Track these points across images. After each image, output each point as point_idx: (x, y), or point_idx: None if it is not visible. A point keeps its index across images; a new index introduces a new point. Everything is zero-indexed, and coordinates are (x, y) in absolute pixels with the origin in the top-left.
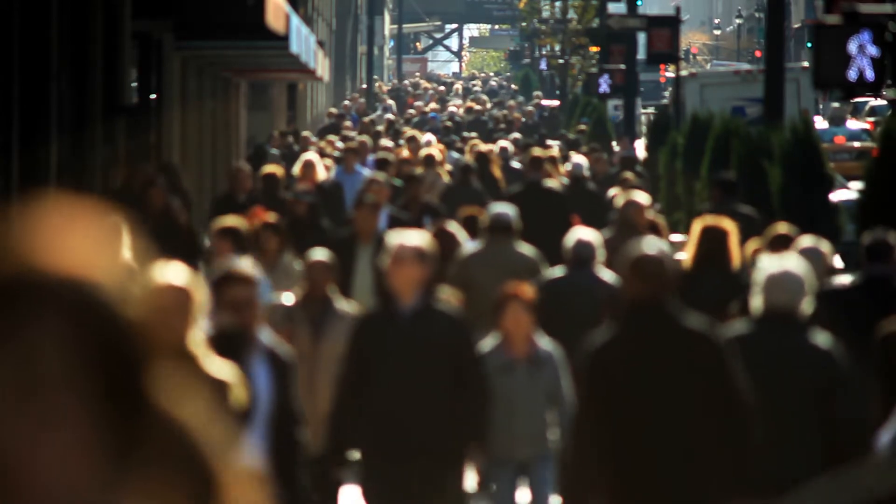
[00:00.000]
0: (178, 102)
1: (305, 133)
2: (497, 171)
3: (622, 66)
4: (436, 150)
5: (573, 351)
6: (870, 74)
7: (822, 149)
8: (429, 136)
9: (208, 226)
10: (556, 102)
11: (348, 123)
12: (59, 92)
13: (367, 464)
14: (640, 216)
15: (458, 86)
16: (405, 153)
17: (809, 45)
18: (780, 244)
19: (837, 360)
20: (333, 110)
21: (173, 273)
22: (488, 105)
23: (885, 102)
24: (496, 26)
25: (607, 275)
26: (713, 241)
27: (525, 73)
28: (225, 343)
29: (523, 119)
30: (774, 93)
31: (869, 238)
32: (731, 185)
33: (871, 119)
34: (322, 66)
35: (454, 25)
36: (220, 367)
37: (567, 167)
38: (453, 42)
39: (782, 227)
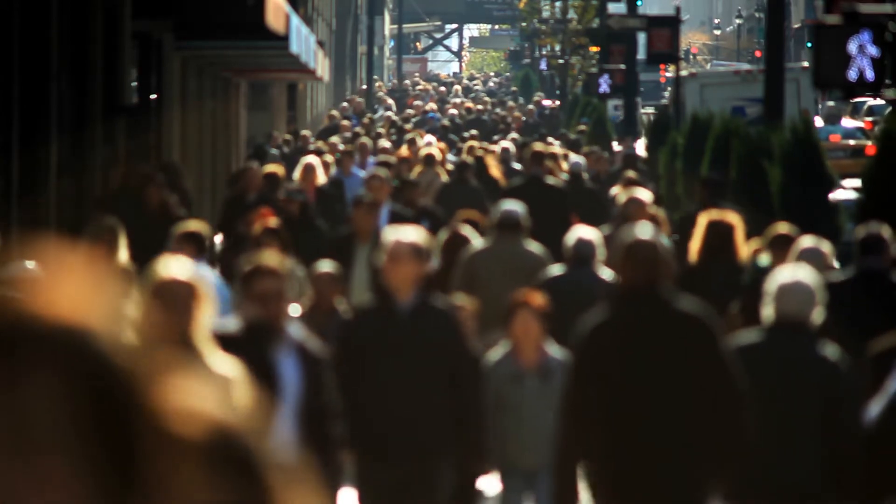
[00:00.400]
0: (178, 102)
1: (305, 132)
2: (495, 171)
3: (622, 66)
4: (436, 149)
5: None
6: (870, 74)
7: (823, 149)
8: (429, 137)
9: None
10: (555, 102)
11: (346, 123)
12: (59, 92)
13: (361, 463)
14: (641, 213)
15: (458, 87)
16: (404, 153)
17: (809, 45)
18: (780, 244)
19: (845, 371)
20: (335, 113)
21: (177, 267)
22: (488, 106)
23: (882, 102)
24: (496, 26)
25: (607, 273)
26: (718, 236)
27: (525, 73)
28: (252, 336)
29: (524, 119)
30: (774, 93)
31: (863, 232)
32: (719, 184)
33: (869, 119)
34: (322, 66)
35: (454, 25)
36: (224, 364)
37: (566, 165)
38: (453, 42)
39: (782, 227)
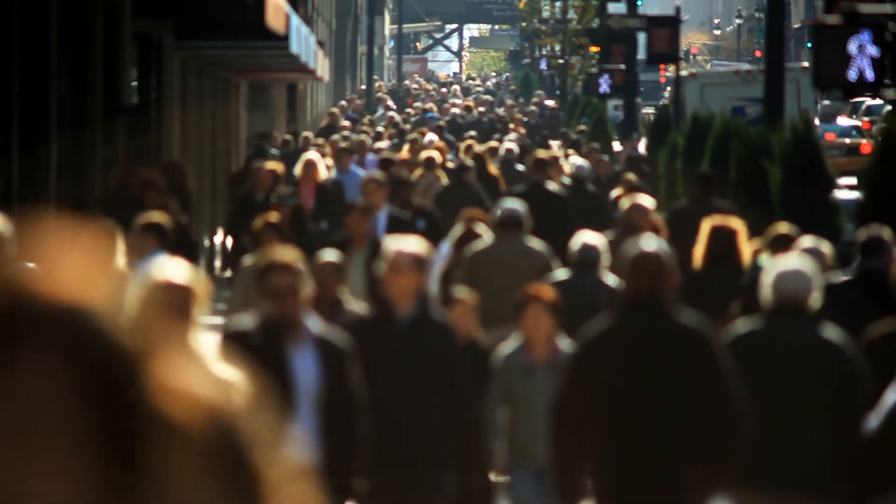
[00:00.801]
0: (178, 102)
1: (307, 134)
2: (494, 170)
3: (622, 66)
4: (436, 151)
5: None
6: (870, 74)
7: (823, 149)
8: (431, 136)
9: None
10: (557, 103)
11: (346, 123)
12: (59, 92)
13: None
14: (644, 219)
15: (457, 86)
16: (405, 154)
17: (809, 45)
18: (780, 244)
19: (848, 352)
20: (335, 111)
21: (173, 270)
22: (488, 106)
23: (881, 102)
24: (496, 26)
25: (611, 279)
26: (722, 241)
27: (525, 73)
28: (267, 333)
29: (525, 119)
30: (774, 93)
31: (864, 234)
32: (709, 181)
33: (867, 118)
34: (322, 66)
35: (454, 25)
36: (223, 367)
37: (569, 168)
38: (453, 42)
39: (783, 227)
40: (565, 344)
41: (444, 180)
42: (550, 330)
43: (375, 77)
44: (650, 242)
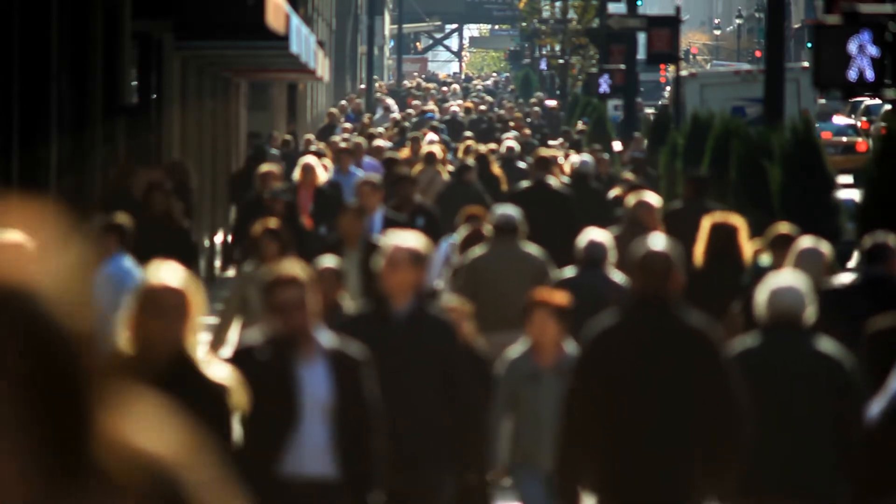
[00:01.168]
0: (178, 102)
1: (309, 136)
2: (497, 170)
3: (622, 66)
4: (437, 147)
5: None
6: (870, 74)
7: (823, 149)
8: (432, 135)
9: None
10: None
11: (348, 125)
12: (59, 92)
13: None
14: (649, 216)
15: (456, 86)
16: (405, 153)
17: (809, 45)
18: (780, 244)
19: (845, 365)
20: (334, 111)
21: (168, 274)
22: (488, 105)
23: (879, 102)
24: (496, 26)
25: (618, 276)
26: (723, 238)
27: (525, 73)
28: (274, 349)
29: (528, 119)
30: (774, 93)
31: (869, 240)
32: (703, 182)
33: (865, 118)
34: (322, 66)
35: (454, 25)
36: (219, 372)
37: (573, 164)
38: (453, 42)
39: (783, 227)
40: (572, 348)
41: (446, 175)
42: (557, 335)
43: (375, 77)
44: (659, 241)
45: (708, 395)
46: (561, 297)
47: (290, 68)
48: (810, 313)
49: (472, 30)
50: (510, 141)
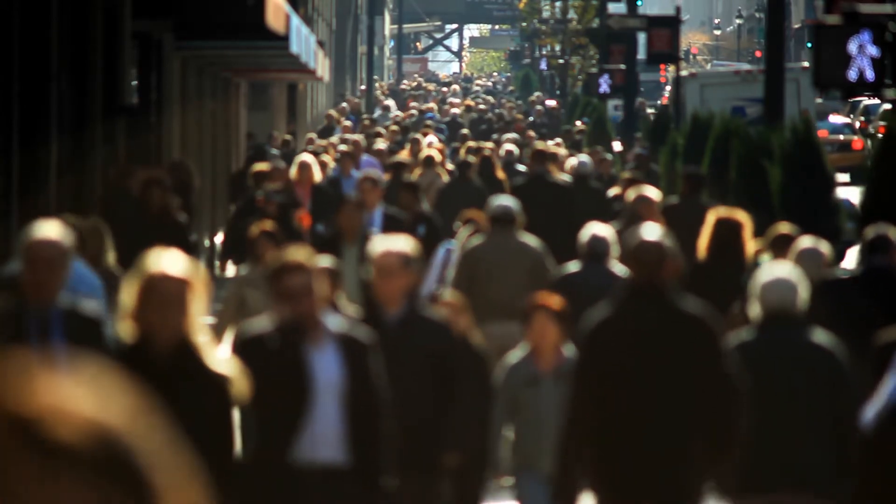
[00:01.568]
0: (178, 102)
1: (311, 136)
2: (500, 172)
3: (622, 66)
4: (435, 150)
5: None
6: (870, 74)
7: (823, 149)
8: (431, 137)
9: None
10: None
11: (348, 124)
12: (59, 92)
13: None
14: (649, 211)
15: (456, 86)
16: (404, 154)
17: (809, 45)
18: (781, 244)
19: (839, 357)
20: (333, 112)
21: (170, 262)
22: (488, 105)
23: (877, 102)
24: (496, 26)
25: (621, 270)
26: (727, 233)
27: (525, 73)
28: (283, 335)
29: (531, 119)
30: (774, 93)
31: (871, 232)
32: (700, 178)
33: (864, 118)
34: (322, 66)
35: (454, 25)
36: (221, 361)
37: (573, 164)
38: (453, 42)
39: (783, 227)
40: (572, 352)
41: (445, 178)
42: (557, 339)
43: (376, 77)
44: (651, 231)
45: (706, 381)
46: (560, 301)
47: (290, 68)
48: (802, 304)
49: (472, 30)
50: (509, 144)
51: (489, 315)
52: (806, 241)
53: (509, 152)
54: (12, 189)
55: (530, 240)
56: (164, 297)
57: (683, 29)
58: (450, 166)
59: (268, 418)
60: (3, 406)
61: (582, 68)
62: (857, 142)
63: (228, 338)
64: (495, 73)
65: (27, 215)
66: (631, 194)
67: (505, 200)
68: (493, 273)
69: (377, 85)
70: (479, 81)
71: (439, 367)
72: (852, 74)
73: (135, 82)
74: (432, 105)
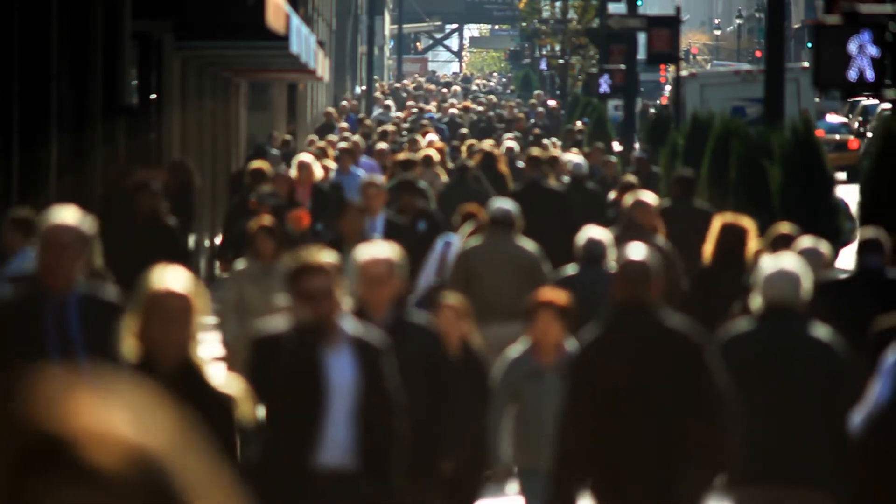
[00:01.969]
0: (178, 102)
1: (312, 137)
2: (504, 169)
3: (622, 66)
4: (434, 150)
5: None
6: (870, 74)
7: (823, 149)
8: (431, 137)
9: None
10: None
11: (344, 125)
12: (59, 92)
13: None
14: (646, 216)
15: (456, 87)
16: (402, 154)
17: (809, 45)
18: (781, 244)
19: (838, 351)
20: (331, 110)
21: (172, 279)
22: (489, 105)
23: (876, 102)
24: (496, 26)
25: None
26: (732, 239)
27: (525, 73)
28: (300, 337)
29: (532, 120)
30: (774, 93)
31: (863, 234)
32: (691, 182)
33: (862, 118)
34: (322, 66)
35: (454, 25)
36: (225, 381)
37: (568, 167)
38: (453, 42)
39: (783, 227)
40: (573, 348)
41: (444, 177)
42: (560, 335)
43: (376, 77)
44: (637, 250)
45: (695, 396)
46: (564, 298)
47: (290, 68)
48: (805, 297)
49: (472, 30)
50: (510, 141)
51: (484, 316)
52: (806, 241)
53: (510, 149)
54: (12, 189)
55: (528, 244)
56: (168, 314)
57: (683, 29)
58: (450, 166)
59: (281, 419)
60: (39, 428)
61: (582, 68)
62: (854, 141)
63: (231, 336)
64: (495, 74)
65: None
66: (629, 199)
67: (505, 203)
68: (488, 275)
69: (377, 85)
70: (477, 81)
71: (430, 372)
72: (852, 74)
73: (135, 82)
74: (432, 105)
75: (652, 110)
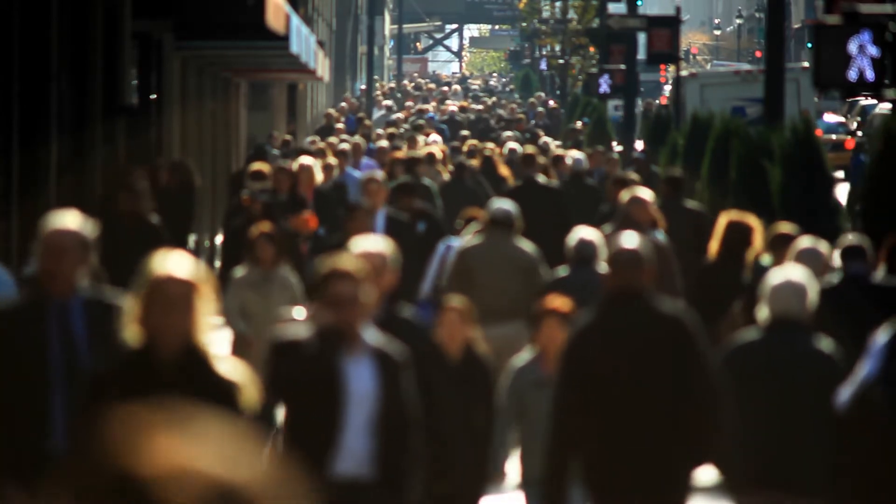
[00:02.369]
0: (178, 102)
1: (314, 138)
2: (503, 170)
3: (622, 66)
4: (437, 148)
5: None
6: (870, 74)
7: (823, 149)
8: (435, 136)
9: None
10: (553, 103)
11: (341, 126)
12: (59, 92)
13: None
14: (643, 212)
15: (457, 87)
16: (400, 154)
17: (809, 45)
18: (781, 244)
19: (842, 364)
20: (332, 111)
21: (174, 264)
22: (489, 105)
23: (874, 102)
24: (496, 26)
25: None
26: (737, 236)
27: (525, 73)
28: (321, 342)
29: (533, 120)
30: (774, 93)
31: (845, 240)
32: (679, 182)
33: (860, 118)
34: (322, 66)
35: (454, 25)
36: (230, 368)
37: (568, 161)
38: (453, 42)
39: (783, 227)
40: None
41: (446, 176)
42: None
43: (376, 77)
44: (630, 239)
45: (687, 383)
46: (569, 306)
47: (290, 68)
48: (810, 309)
49: (472, 30)
50: (512, 143)
51: (480, 317)
52: (806, 242)
53: (512, 150)
54: (12, 189)
55: (526, 245)
56: (169, 299)
57: (683, 29)
58: (450, 167)
59: (298, 426)
60: (127, 466)
61: (582, 68)
62: (850, 141)
63: (242, 329)
64: (495, 74)
65: (27, 215)
66: (625, 196)
67: (505, 204)
68: (485, 275)
69: (377, 85)
70: (474, 81)
71: (415, 369)
72: (852, 74)
73: (135, 82)
74: (430, 105)
75: (659, 101)
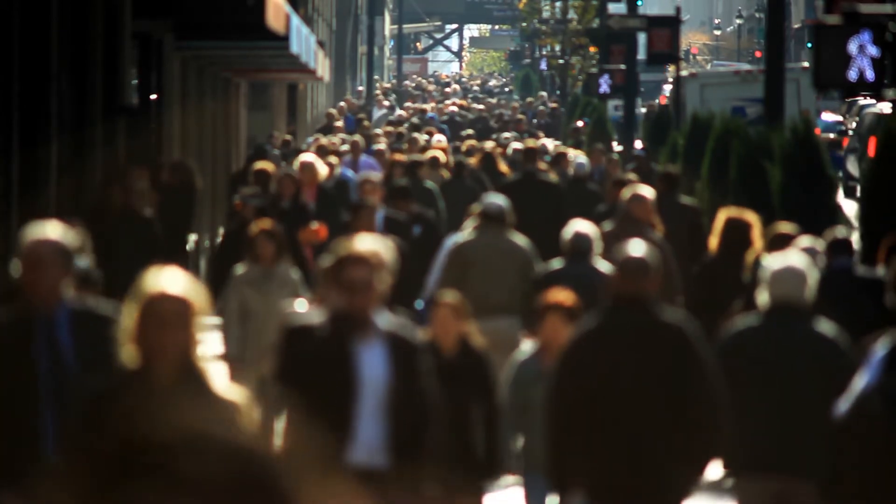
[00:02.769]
0: (178, 102)
1: (317, 136)
2: (504, 168)
3: (622, 66)
4: (440, 151)
5: None
6: (870, 74)
7: (823, 148)
8: (439, 137)
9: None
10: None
11: (339, 125)
12: (59, 92)
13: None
14: (643, 210)
15: (457, 87)
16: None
17: (809, 45)
18: (780, 244)
19: (841, 346)
20: (333, 111)
21: (168, 281)
22: (487, 103)
23: (872, 102)
24: (496, 26)
25: (605, 266)
26: (736, 233)
27: (525, 74)
28: (334, 327)
29: (534, 119)
30: (774, 93)
31: (830, 235)
32: (674, 179)
33: (858, 118)
34: (322, 66)
35: (454, 25)
36: (229, 388)
37: (571, 164)
38: (453, 42)
39: (783, 227)
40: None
41: (446, 175)
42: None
43: (376, 77)
44: (637, 246)
45: (685, 389)
46: (572, 300)
47: (290, 68)
48: (809, 294)
49: (472, 30)
50: (516, 143)
51: (475, 312)
52: (806, 241)
53: (515, 150)
54: (12, 189)
55: (519, 239)
56: (163, 317)
57: (683, 29)
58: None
59: (309, 412)
60: (142, 433)
61: (582, 68)
62: (846, 140)
63: (234, 350)
64: (495, 74)
65: (27, 215)
66: (626, 193)
67: (498, 199)
68: (478, 269)
69: (377, 85)
70: (473, 82)
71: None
72: (852, 74)
73: (135, 82)
74: (432, 104)
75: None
